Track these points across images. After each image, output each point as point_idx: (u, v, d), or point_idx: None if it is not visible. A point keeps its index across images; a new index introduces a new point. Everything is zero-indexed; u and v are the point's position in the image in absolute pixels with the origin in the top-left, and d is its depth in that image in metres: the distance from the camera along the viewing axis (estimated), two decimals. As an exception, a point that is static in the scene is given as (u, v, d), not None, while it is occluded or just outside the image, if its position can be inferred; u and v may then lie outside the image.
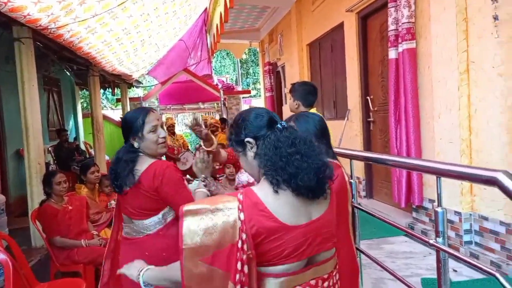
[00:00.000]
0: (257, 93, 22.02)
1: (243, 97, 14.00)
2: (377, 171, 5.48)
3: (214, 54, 15.70)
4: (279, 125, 1.26)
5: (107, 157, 6.88)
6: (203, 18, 9.01)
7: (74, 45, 4.74)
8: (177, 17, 6.31)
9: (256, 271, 1.10)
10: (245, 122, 1.30)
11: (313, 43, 7.69)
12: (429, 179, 4.06)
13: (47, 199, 3.42)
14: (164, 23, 6.01)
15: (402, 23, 4.19)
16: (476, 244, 3.53)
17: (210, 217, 1.09)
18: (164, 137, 1.94)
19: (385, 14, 4.58)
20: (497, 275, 1.32)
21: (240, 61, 21.29)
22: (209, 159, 2.00)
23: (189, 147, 8.15)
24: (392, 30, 4.37)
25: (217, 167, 4.99)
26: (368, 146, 5.59)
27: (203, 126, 2.12)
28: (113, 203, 4.13)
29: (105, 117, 9.88)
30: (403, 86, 4.24)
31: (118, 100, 10.49)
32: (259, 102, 16.56)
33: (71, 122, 9.44)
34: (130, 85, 9.73)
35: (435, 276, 1.73)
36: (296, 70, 8.33)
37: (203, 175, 1.96)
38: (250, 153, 1.28)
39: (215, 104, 12.51)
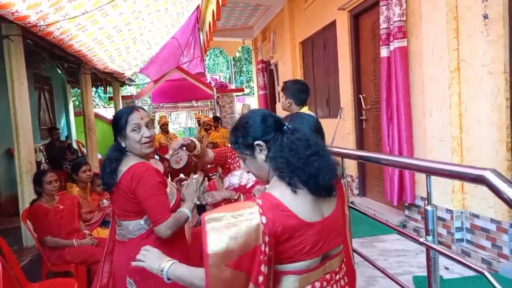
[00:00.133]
0: (251, 91, 22.00)
1: (236, 95, 14.02)
2: (370, 169, 5.50)
3: (207, 52, 15.68)
4: (286, 128, 1.30)
5: (99, 156, 6.84)
6: (195, 15, 8.98)
7: (65, 42, 4.69)
8: (169, 15, 6.26)
9: (272, 271, 1.15)
10: (252, 125, 1.31)
11: (305, 41, 7.70)
12: (421, 177, 4.07)
13: (38, 198, 3.38)
14: (156, 21, 5.96)
15: (394, 22, 4.20)
16: (468, 241, 3.56)
17: (232, 223, 1.12)
18: (149, 137, 1.88)
19: (377, 12, 4.59)
20: (486, 273, 1.34)
21: (233, 59, 21.28)
22: (201, 186, 1.96)
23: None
24: (383, 28, 4.38)
25: (209, 166, 4.98)
26: (360, 144, 5.61)
27: (177, 147, 2.12)
28: (105, 202, 4.11)
29: (97, 116, 9.81)
30: (395, 84, 4.26)
31: (110, 98, 10.41)
32: (253, 100, 16.55)
33: (63, 121, 9.36)
34: (123, 83, 9.66)
35: (426, 274, 1.74)
36: (289, 68, 8.33)
37: (195, 198, 1.92)
38: (261, 156, 1.30)
39: (209, 102, 12.51)
